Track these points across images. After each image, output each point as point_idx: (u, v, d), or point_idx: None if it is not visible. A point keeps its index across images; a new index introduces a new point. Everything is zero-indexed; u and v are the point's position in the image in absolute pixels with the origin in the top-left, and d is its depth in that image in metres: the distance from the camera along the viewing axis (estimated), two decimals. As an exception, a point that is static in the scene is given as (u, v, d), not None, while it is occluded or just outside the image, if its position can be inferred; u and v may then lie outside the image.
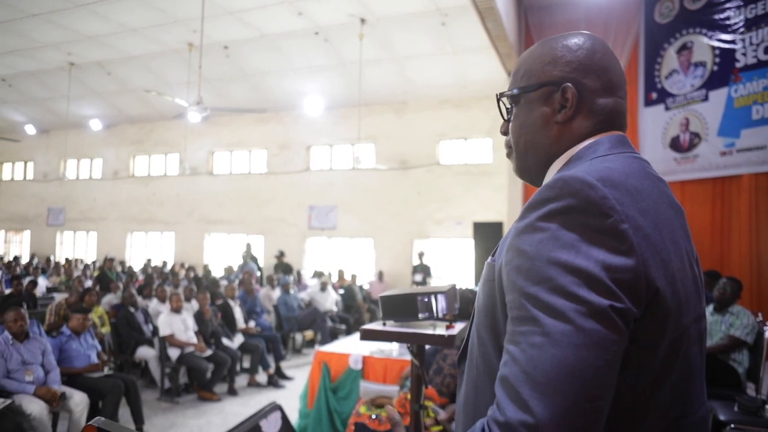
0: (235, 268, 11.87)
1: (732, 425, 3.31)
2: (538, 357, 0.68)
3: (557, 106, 0.92)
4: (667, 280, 0.76)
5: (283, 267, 11.59)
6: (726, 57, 6.51)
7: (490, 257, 0.92)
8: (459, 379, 1.02)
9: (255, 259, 11.89)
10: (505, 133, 1.03)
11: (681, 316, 0.79)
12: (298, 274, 11.54)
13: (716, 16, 6.60)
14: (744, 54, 6.32)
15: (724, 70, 6.52)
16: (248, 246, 11.77)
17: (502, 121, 1.04)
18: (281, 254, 12.00)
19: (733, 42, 6.43)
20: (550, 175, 0.94)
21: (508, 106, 1.01)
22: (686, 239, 0.86)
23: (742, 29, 6.33)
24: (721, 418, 3.36)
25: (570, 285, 0.70)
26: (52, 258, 15.17)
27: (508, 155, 1.03)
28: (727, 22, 6.47)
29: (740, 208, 6.45)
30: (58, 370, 4.21)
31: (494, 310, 0.86)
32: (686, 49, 6.94)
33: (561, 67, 0.92)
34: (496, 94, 1.02)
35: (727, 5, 6.48)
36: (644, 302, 0.73)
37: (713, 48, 6.63)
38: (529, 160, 0.98)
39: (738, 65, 6.37)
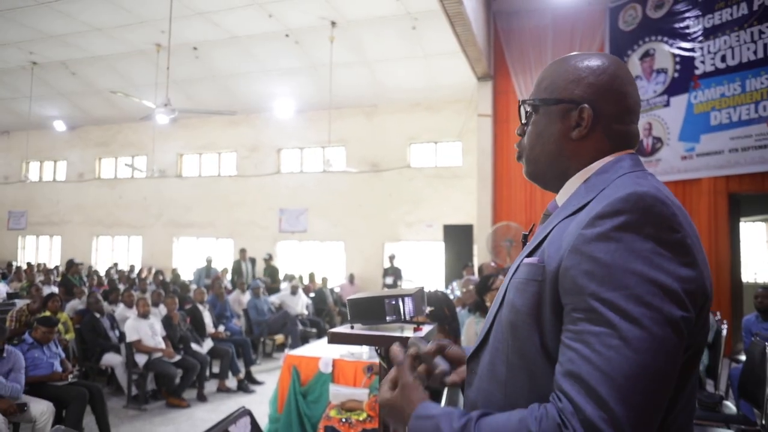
0: (195, 274, 11.68)
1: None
2: (616, 359, 0.73)
3: (573, 123, 0.96)
4: (710, 289, 0.83)
5: (270, 270, 11.49)
6: (686, 64, 6.72)
7: (528, 257, 0.92)
8: (469, 377, 1.03)
9: (254, 261, 11.75)
10: (521, 134, 1.07)
11: (708, 321, 0.86)
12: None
13: (676, 25, 6.81)
14: (703, 62, 6.54)
15: (684, 77, 6.73)
16: (242, 251, 11.51)
17: (520, 123, 1.07)
18: (270, 257, 11.88)
19: (692, 50, 6.65)
20: (573, 184, 0.97)
21: (528, 110, 1.05)
22: None
23: (700, 38, 6.55)
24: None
25: (646, 294, 0.75)
26: (13, 263, 14.69)
27: (519, 157, 1.08)
28: (687, 31, 6.69)
29: (699, 210, 6.66)
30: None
31: (540, 308, 0.87)
32: (649, 56, 7.15)
33: (583, 88, 0.95)
34: (519, 100, 1.06)
35: (687, 14, 6.70)
36: (698, 309, 0.80)
37: (674, 55, 6.84)
38: (541, 168, 1.02)
39: (697, 72, 6.60)
